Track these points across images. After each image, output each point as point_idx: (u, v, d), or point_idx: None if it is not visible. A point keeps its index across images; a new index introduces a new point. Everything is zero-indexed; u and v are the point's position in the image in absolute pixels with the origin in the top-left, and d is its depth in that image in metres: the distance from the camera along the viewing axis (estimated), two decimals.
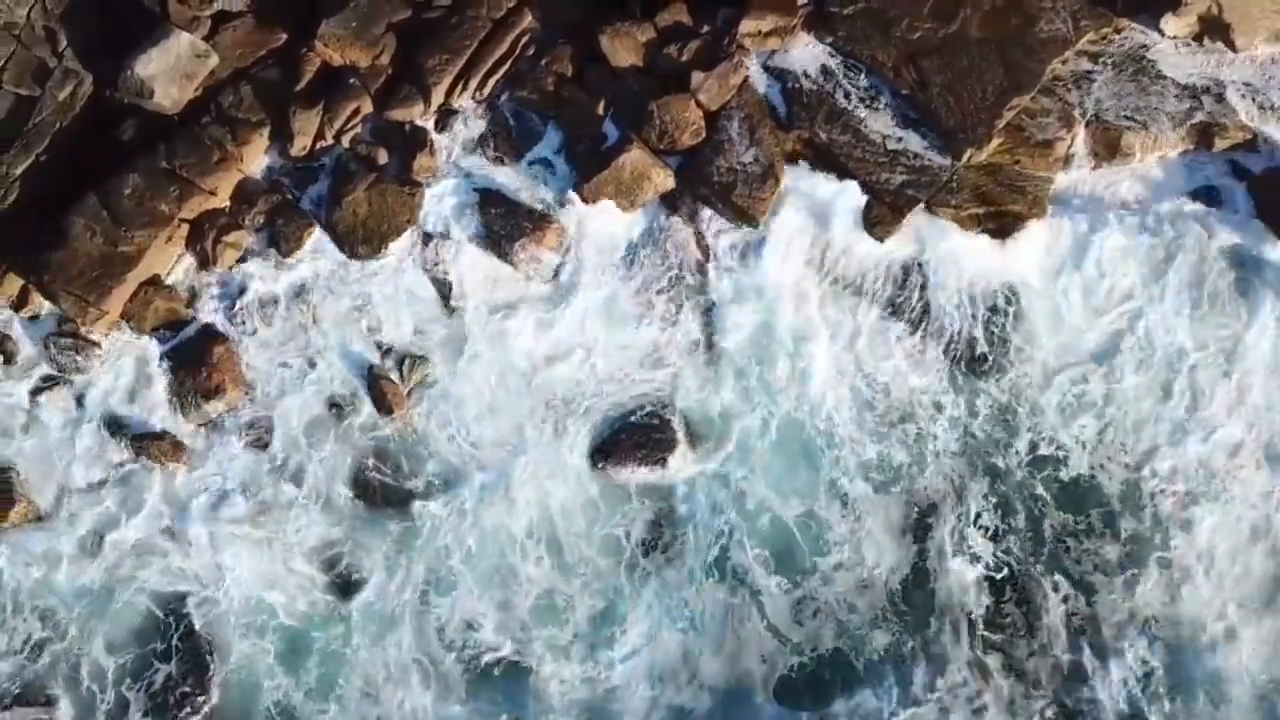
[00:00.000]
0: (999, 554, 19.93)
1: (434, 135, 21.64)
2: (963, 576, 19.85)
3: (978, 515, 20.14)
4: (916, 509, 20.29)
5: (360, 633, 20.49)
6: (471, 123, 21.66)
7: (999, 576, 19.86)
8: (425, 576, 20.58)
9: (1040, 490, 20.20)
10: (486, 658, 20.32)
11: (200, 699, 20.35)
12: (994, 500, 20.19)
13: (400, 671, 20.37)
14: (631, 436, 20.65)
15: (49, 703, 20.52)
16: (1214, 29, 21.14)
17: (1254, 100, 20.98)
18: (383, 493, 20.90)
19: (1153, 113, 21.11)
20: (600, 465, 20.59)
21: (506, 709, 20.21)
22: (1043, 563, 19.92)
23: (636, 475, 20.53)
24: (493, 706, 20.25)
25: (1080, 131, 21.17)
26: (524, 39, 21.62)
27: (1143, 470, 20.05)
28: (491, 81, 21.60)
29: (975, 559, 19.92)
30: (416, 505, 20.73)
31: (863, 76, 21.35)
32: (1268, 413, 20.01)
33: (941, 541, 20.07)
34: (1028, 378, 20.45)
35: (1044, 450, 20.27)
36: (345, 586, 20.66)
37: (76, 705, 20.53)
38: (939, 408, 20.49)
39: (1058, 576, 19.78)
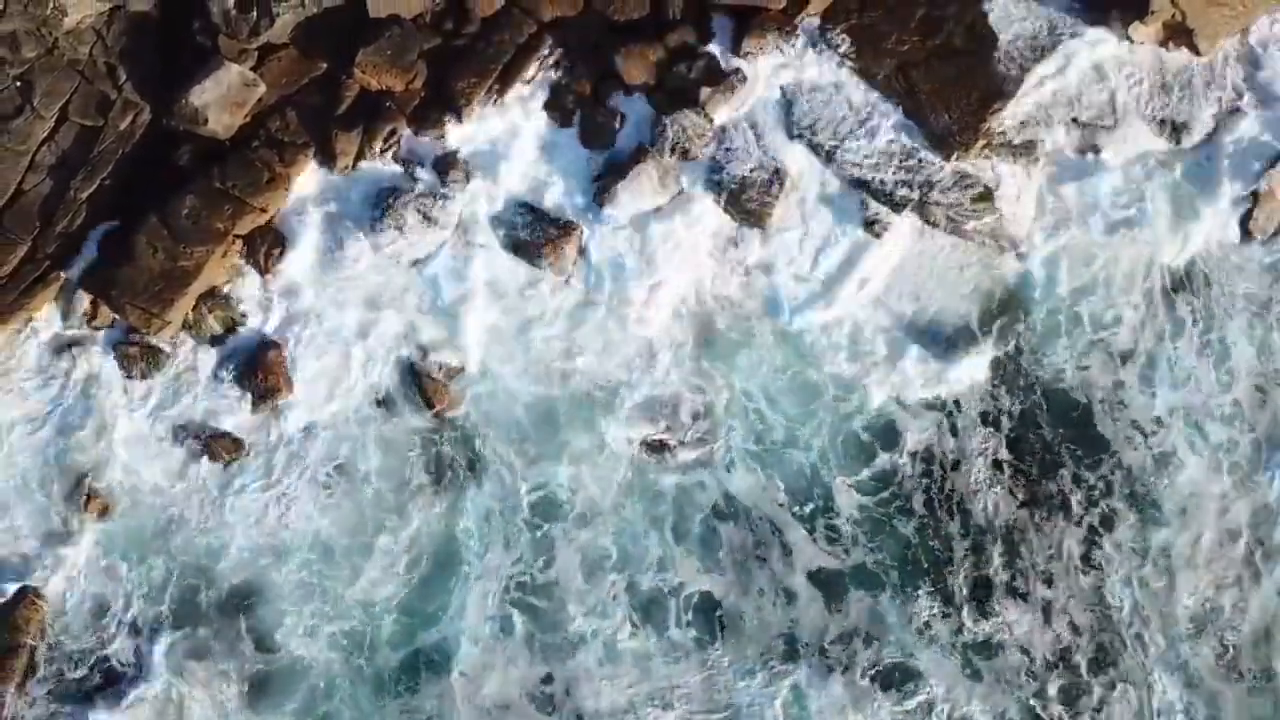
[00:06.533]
0: None
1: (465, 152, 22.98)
2: None
3: None
4: None
5: None
6: (499, 139, 22.94)
7: None
8: None
9: None
10: None
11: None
12: None
13: None
14: None
15: None
16: (1178, 35, 22.36)
17: None
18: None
19: (1125, 111, 22.75)
20: None
21: None
22: None
23: None
24: None
25: (1059, 132, 22.78)
26: (545, 61, 22.86)
27: None
28: (517, 101, 22.86)
29: None
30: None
31: (857, 86, 22.70)
32: None
33: None
34: None
35: None
36: None
37: None
38: None
39: None
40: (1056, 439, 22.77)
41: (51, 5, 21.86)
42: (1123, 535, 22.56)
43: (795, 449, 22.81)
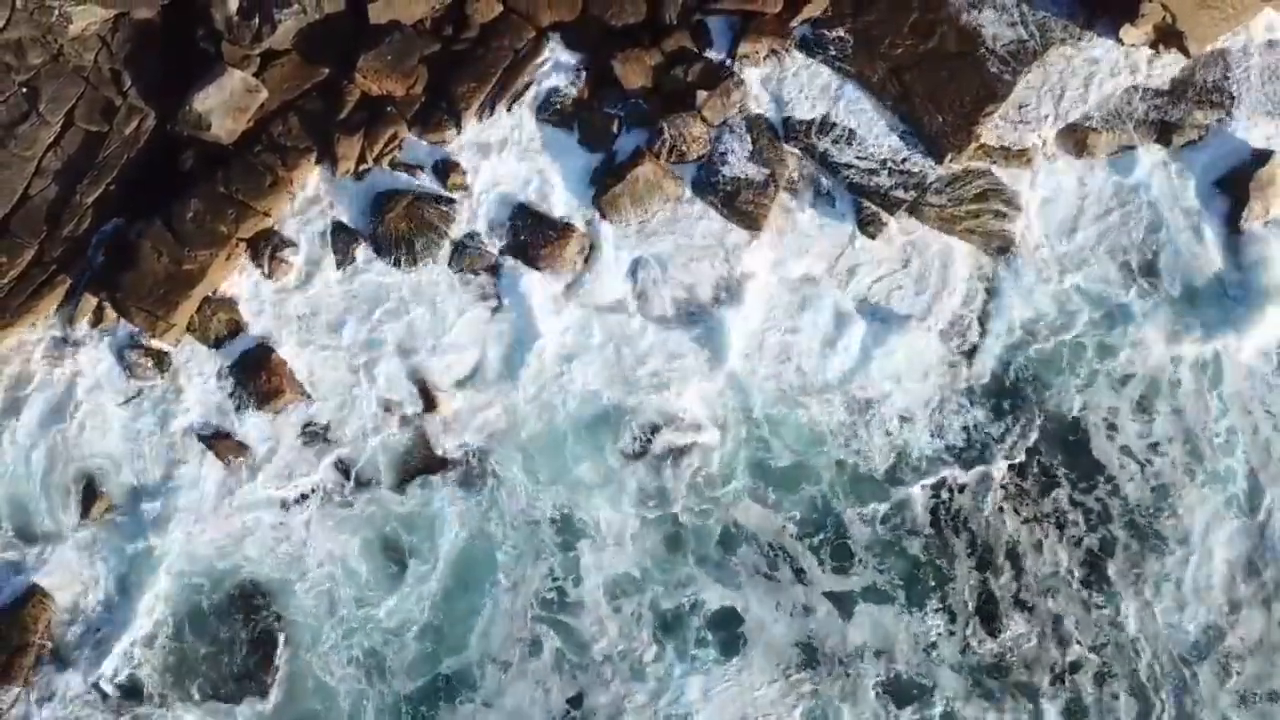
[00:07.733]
0: None
1: (465, 156, 23.22)
2: None
3: None
4: None
5: None
6: (499, 143, 23.25)
7: None
8: None
9: None
10: None
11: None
12: None
13: None
14: None
15: None
16: (1168, 37, 22.55)
17: None
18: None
19: (1116, 114, 23.06)
20: None
21: None
22: None
23: None
24: None
25: (1051, 134, 23.06)
26: (544, 66, 23.14)
27: None
28: (516, 105, 23.20)
29: None
30: None
31: (851, 89, 22.98)
32: None
33: None
34: None
35: None
36: None
37: None
38: None
39: None
40: (1057, 465, 22.84)
41: (57, 13, 22.24)
42: (1125, 561, 22.62)
43: (806, 480, 22.89)
